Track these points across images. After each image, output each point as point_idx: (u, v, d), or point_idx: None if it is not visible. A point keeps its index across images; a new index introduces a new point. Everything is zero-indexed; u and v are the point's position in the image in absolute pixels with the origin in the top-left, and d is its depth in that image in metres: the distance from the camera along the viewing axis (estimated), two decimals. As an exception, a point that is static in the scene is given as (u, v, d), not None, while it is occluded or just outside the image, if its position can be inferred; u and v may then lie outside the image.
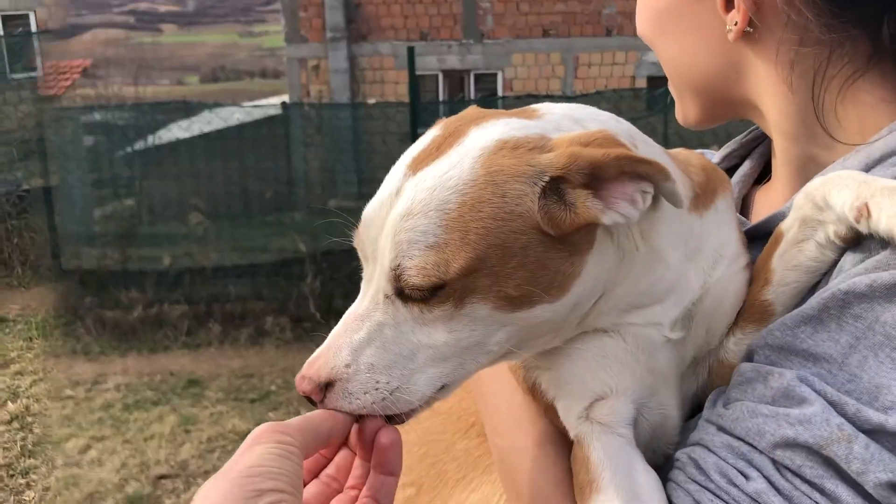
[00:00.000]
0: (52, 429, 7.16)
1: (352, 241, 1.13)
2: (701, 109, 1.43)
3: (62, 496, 5.94)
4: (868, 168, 1.16)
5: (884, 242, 1.03)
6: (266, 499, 0.88)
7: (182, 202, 11.16)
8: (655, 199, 1.08)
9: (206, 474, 6.13)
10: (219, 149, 11.11)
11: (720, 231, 1.24)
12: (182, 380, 8.25)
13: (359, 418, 1.07)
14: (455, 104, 13.05)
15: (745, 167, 1.55)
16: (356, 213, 1.12)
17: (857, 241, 1.09)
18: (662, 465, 1.20)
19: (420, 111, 9.98)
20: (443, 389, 1.10)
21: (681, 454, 1.13)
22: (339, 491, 1.08)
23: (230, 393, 7.85)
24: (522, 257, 1.02)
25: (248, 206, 11.00)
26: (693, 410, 1.27)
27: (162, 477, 6.20)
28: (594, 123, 1.12)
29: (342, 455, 1.11)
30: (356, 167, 10.31)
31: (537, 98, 12.82)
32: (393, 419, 1.08)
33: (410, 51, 9.64)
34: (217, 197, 11.06)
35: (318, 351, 1.08)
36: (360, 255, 1.11)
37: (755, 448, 1.04)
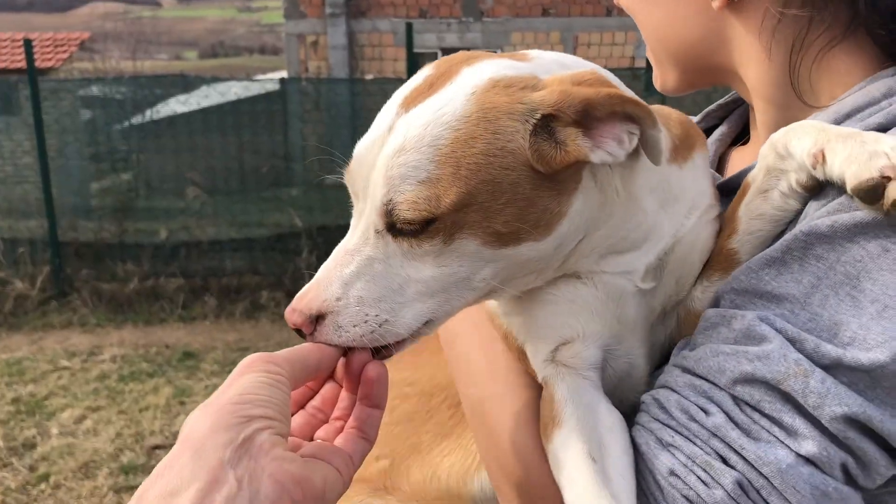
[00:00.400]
0: (47, 399, 7.19)
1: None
2: (681, 76, 1.44)
3: (57, 465, 5.98)
4: (838, 123, 1.19)
5: (841, 188, 1.05)
6: (255, 425, 0.89)
7: (179, 176, 11.13)
8: (635, 150, 1.10)
9: (201, 445, 6.16)
10: (216, 124, 11.07)
11: (696, 182, 1.27)
12: (177, 352, 8.28)
13: (346, 352, 1.09)
14: (453, 82, 12.96)
15: (723, 128, 1.59)
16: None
17: (819, 189, 1.11)
18: (630, 415, 1.22)
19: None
20: (428, 324, 1.12)
21: (645, 396, 1.17)
22: (325, 422, 1.10)
23: (225, 366, 7.87)
24: (512, 193, 1.04)
25: (244, 181, 10.98)
26: (662, 361, 1.30)
27: (156, 447, 6.23)
28: (582, 68, 1.14)
29: (328, 387, 1.13)
30: (354, 143, 10.22)
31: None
32: (380, 352, 1.10)
33: (409, 27, 9.61)
34: (214, 171, 11.03)
35: (308, 285, 1.10)
36: (351, 191, 1.13)
37: (716, 385, 1.07)
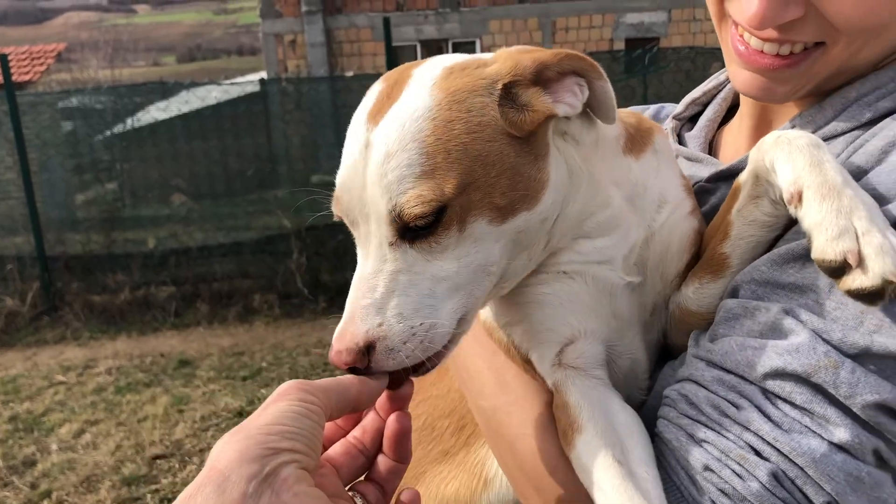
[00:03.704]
0: (45, 415, 7.15)
1: (332, 213, 1.15)
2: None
3: (59, 481, 5.96)
4: (844, 108, 1.21)
5: None
6: (281, 458, 0.89)
7: (164, 184, 11.10)
8: (591, 125, 1.18)
9: (201, 453, 6.15)
10: (198, 128, 11.03)
11: (661, 174, 1.29)
12: (173, 360, 8.25)
13: (390, 385, 1.09)
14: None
15: (709, 113, 1.59)
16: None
17: None
18: (638, 412, 1.23)
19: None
20: (462, 322, 1.12)
21: (670, 391, 1.17)
22: (363, 452, 1.10)
23: (221, 371, 7.85)
24: (500, 164, 1.07)
25: (230, 184, 10.94)
26: (661, 358, 1.32)
27: (157, 457, 6.20)
28: None
29: (370, 419, 1.12)
30: (337, 141, 10.27)
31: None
32: (423, 366, 1.10)
33: (386, 22, 9.58)
34: (199, 177, 11.00)
35: (341, 323, 1.08)
36: (347, 220, 1.13)
37: (745, 379, 1.07)
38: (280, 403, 0.95)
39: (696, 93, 1.64)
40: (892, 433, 1.00)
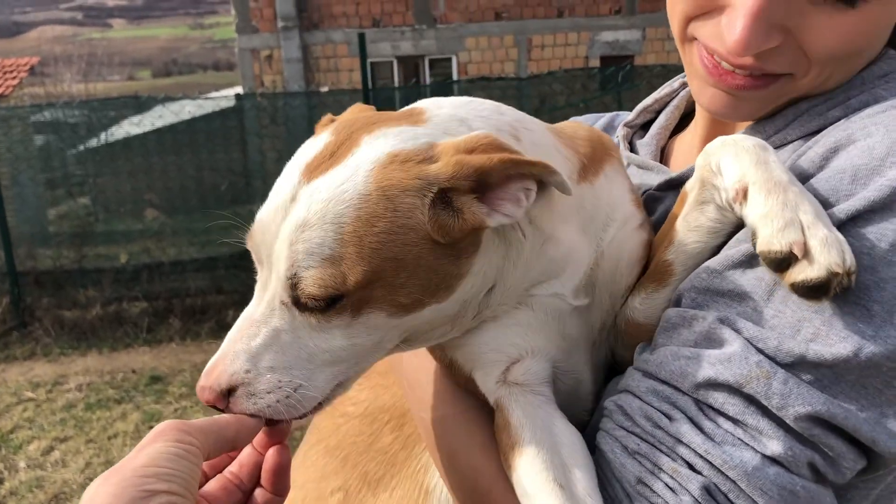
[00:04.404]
0: (13, 432, 7.05)
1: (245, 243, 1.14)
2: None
3: (26, 499, 5.87)
4: (796, 117, 1.21)
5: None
6: (156, 500, 0.88)
7: (137, 198, 11.03)
8: (543, 186, 1.10)
9: (173, 470, 6.08)
10: (172, 143, 10.98)
11: (609, 196, 1.27)
12: (144, 377, 8.16)
13: (267, 423, 1.08)
14: (409, 90, 13.04)
15: (661, 120, 1.59)
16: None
17: None
18: (582, 433, 1.22)
19: (374, 97, 9.97)
20: (339, 386, 1.13)
21: (608, 402, 1.17)
22: (241, 488, 1.09)
23: (193, 388, 7.72)
24: (414, 267, 1.05)
25: (204, 199, 10.89)
26: (608, 377, 1.31)
27: (127, 475, 6.13)
28: (479, 121, 1.14)
29: (247, 454, 1.11)
30: (312, 156, 10.17)
31: (492, 81, 12.84)
32: (298, 418, 1.09)
33: (361, 38, 9.59)
34: (172, 192, 10.94)
35: (214, 358, 1.08)
36: (255, 257, 1.12)
37: (678, 390, 1.07)
38: (156, 444, 0.94)
39: (648, 100, 1.64)
40: (828, 446, 1.00)
